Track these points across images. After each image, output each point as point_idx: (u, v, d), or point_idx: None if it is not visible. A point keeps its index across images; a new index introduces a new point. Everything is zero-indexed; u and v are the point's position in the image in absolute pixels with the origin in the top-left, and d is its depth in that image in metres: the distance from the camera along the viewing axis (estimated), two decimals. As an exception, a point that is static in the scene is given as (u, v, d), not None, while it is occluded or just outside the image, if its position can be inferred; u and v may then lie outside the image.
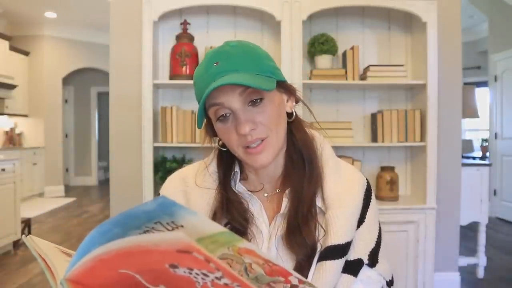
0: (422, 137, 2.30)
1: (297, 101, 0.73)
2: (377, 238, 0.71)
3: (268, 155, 0.65)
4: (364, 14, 2.48)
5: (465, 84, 5.05)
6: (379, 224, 0.73)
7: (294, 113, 0.71)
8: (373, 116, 2.39)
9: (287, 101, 0.71)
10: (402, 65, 2.33)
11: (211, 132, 0.71)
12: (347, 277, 0.66)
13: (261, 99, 0.64)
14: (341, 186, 0.70)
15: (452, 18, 2.46)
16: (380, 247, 0.71)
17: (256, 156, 0.65)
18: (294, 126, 0.72)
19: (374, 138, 2.36)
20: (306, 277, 0.64)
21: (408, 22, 2.47)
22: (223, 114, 0.65)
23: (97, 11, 5.48)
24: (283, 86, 0.69)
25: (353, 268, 0.67)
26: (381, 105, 2.49)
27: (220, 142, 0.72)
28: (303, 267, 0.65)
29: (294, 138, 0.71)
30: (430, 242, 2.21)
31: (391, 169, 2.32)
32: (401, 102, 2.49)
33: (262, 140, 0.64)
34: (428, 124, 2.23)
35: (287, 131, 0.71)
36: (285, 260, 0.67)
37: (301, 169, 0.70)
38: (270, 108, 0.65)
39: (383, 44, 2.49)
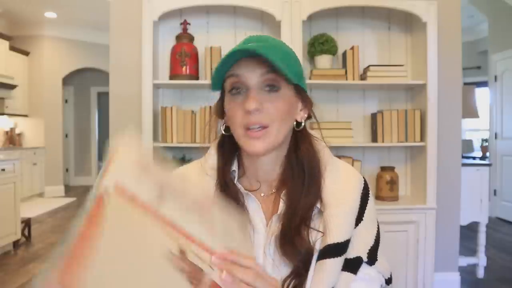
0: (422, 137, 2.30)
1: (309, 117, 0.73)
2: (375, 236, 0.72)
3: (265, 144, 0.65)
4: (364, 14, 2.48)
5: (465, 84, 5.05)
6: (378, 223, 0.74)
7: (303, 124, 0.72)
8: (373, 116, 2.39)
9: (300, 110, 0.71)
10: (402, 65, 2.33)
11: (220, 112, 0.72)
12: (347, 275, 0.66)
13: (278, 89, 0.65)
14: (338, 186, 0.70)
15: (452, 18, 2.46)
16: (379, 245, 0.72)
17: (254, 141, 0.65)
18: (301, 136, 0.72)
19: (374, 138, 2.36)
20: (306, 278, 0.64)
21: (408, 22, 2.47)
22: (237, 88, 0.66)
23: (97, 11, 5.47)
24: (302, 94, 0.70)
25: (352, 266, 0.67)
26: (381, 105, 2.49)
27: (223, 127, 0.72)
28: (300, 269, 0.65)
29: (298, 149, 0.71)
30: (430, 242, 2.21)
31: (391, 169, 2.32)
32: (401, 102, 2.49)
33: (264, 127, 0.65)
34: (428, 124, 2.23)
35: (293, 140, 0.71)
36: (283, 263, 0.66)
37: (300, 180, 0.69)
38: (282, 101, 0.66)
39: (383, 44, 2.49)
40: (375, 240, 0.71)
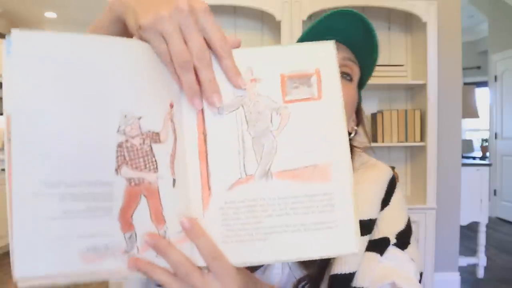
0: (422, 137, 2.30)
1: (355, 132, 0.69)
2: (406, 223, 0.64)
3: None
4: (364, 14, 2.48)
5: (465, 84, 5.05)
6: (408, 217, 0.67)
7: (352, 135, 0.68)
8: (373, 116, 2.39)
9: (352, 120, 0.68)
10: (402, 65, 2.33)
11: None
12: (371, 254, 0.59)
13: (351, 79, 0.62)
14: (364, 167, 0.67)
15: (452, 18, 2.46)
16: (411, 233, 0.64)
17: None
18: None
19: (374, 138, 2.36)
20: (321, 281, 0.59)
21: (408, 22, 2.47)
22: None
23: (97, 11, 5.45)
24: (359, 104, 0.68)
25: (377, 246, 0.60)
26: (381, 105, 2.49)
27: None
28: (315, 277, 0.60)
29: None
30: (430, 242, 2.21)
31: (391, 169, 2.32)
32: (401, 102, 2.49)
33: None
34: (428, 124, 2.24)
35: None
36: (299, 268, 0.62)
37: None
38: (352, 92, 0.63)
39: (383, 44, 2.48)
40: (406, 225, 0.63)
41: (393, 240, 0.60)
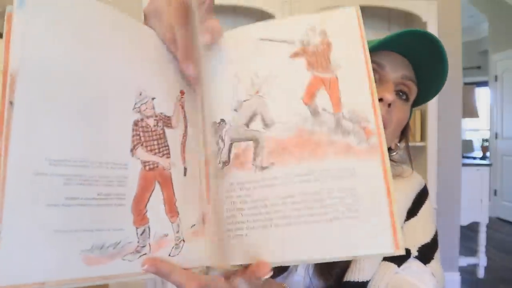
0: (422, 137, 2.29)
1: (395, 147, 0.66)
2: (432, 237, 0.61)
3: None
4: (364, 14, 2.45)
5: (465, 84, 5.04)
6: (436, 230, 0.64)
7: (393, 153, 0.65)
8: (373, 116, 2.39)
9: (396, 136, 0.65)
10: (402, 65, 2.33)
11: None
12: (387, 264, 0.56)
13: (407, 100, 0.60)
14: (394, 177, 0.64)
15: (452, 18, 2.46)
16: (436, 248, 0.61)
17: None
18: None
19: (374, 138, 2.36)
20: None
21: (408, 22, 2.47)
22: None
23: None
24: (408, 122, 0.66)
25: (395, 256, 0.54)
26: (381, 105, 2.49)
27: None
28: None
29: None
30: (430, 242, 2.21)
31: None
32: (401, 102, 2.49)
33: (384, 126, 0.58)
34: (428, 124, 2.23)
35: None
36: (318, 282, 0.61)
37: None
38: (403, 114, 0.60)
39: (383, 44, 2.49)
40: (432, 239, 0.61)
41: (414, 253, 0.58)
